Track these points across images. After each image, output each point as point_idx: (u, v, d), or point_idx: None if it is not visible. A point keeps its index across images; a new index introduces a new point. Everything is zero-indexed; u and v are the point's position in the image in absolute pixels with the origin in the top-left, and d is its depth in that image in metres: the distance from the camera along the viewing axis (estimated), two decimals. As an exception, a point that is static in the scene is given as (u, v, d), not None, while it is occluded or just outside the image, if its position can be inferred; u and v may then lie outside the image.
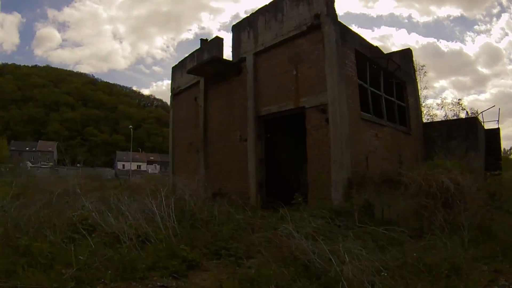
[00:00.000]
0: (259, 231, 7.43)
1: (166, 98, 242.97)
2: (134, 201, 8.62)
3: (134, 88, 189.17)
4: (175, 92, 19.62)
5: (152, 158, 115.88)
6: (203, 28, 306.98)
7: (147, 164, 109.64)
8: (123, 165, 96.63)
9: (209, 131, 16.02)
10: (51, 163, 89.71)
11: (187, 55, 19.17)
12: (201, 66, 15.34)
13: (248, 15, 14.62)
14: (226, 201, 9.50)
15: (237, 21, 17.28)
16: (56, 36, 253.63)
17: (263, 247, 6.21)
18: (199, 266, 5.81)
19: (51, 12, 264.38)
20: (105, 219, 7.27)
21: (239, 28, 14.72)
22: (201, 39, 18.18)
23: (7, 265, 4.87)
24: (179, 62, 19.63)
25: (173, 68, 20.16)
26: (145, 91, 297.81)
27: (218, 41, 16.67)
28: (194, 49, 17.98)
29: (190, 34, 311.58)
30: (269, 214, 9.04)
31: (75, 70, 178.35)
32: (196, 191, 10.04)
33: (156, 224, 7.28)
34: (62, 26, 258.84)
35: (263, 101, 13.16)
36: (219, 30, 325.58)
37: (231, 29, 15.23)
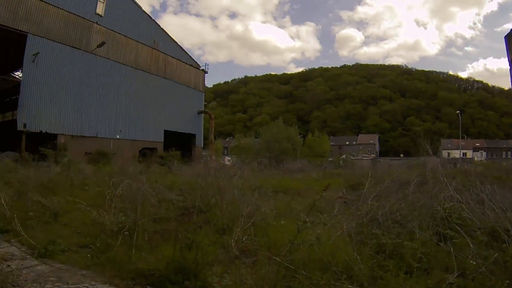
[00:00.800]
0: None
1: (486, 79, 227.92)
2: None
3: (451, 73, 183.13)
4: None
5: (478, 144, 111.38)
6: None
7: (473, 151, 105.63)
8: (448, 153, 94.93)
9: None
10: (372, 155, 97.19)
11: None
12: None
13: None
14: None
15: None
16: (357, 34, 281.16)
17: None
18: None
19: (345, 14, 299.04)
20: (473, 212, 6.57)
21: None
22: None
23: (372, 269, 4.44)
24: (512, 30, 16.99)
25: (506, 37, 19.19)
26: (462, 74, 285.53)
27: None
28: (503, 21, 16.45)
29: (493, 5, 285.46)
30: None
31: (386, 63, 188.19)
32: None
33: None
34: (360, 25, 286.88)
35: None
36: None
37: None
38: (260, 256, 5.06)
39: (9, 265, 5.27)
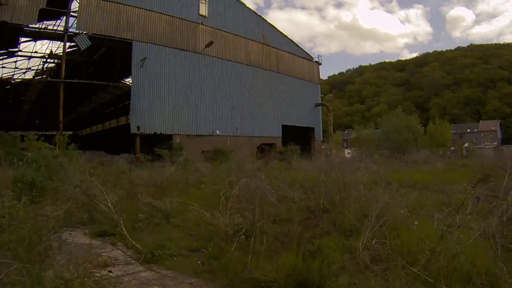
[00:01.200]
0: None
1: None
2: None
3: None
4: None
5: None
6: None
7: None
8: None
9: None
10: (494, 143, 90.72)
11: None
12: None
13: None
14: None
15: None
16: (468, 13, 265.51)
17: None
18: None
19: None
20: None
21: None
22: None
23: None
24: None
25: None
26: None
27: None
28: None
29: None
30: None
31: (501, 42, 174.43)
32: None
33: None
34: (469, 2, 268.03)
35: None
36: None
37: None
38: (392, 264, 4.46)
39: (110, 271, 4.93)
